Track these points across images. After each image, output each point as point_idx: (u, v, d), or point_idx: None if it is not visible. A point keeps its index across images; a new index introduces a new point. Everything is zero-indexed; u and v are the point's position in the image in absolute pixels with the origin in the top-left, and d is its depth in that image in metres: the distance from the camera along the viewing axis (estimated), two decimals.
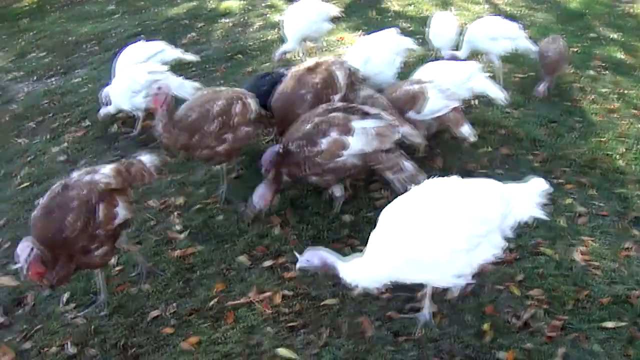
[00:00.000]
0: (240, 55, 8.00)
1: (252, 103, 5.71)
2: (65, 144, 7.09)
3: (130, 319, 4.64)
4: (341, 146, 5.04)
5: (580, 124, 6.89)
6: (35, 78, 9.28)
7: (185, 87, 6.69)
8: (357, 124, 5.08)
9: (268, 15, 10.73)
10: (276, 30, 9.80)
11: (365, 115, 5.18)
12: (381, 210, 5.44)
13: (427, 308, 4.42)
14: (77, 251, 4.28)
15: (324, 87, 5.80)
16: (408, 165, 5.18)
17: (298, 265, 4.07)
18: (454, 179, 4.21)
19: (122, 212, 4.54)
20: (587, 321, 4.37)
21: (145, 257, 5.11)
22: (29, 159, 6.95)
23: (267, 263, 5.01)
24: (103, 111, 7.10)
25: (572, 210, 5.50)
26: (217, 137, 5.40)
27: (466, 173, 5.88)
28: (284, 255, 5.08)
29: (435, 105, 5.90)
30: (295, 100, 5.71)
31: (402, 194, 4.34)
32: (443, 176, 5.80)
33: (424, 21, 9.26)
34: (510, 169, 6.06)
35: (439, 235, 3.89)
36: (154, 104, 5.23)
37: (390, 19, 10.09)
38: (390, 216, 4.09)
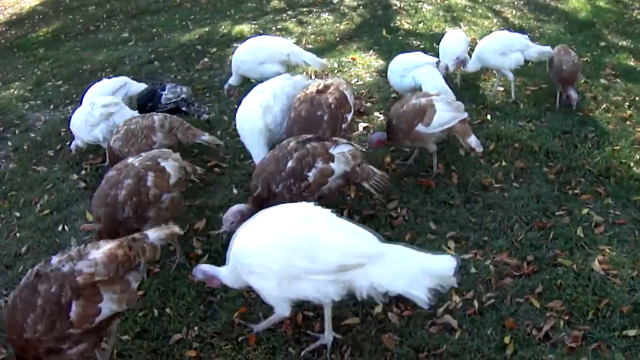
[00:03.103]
0: (254, 80, 8.06)
1: (171, 165, 5.33)
2: (84, 172, 7.15)
3: (153, 343, 4.68)
4: (328, 174, 5.15)
5: (594, 134, 6.90)
6: (52, 107, 9.35)
7: None
8: (334, 150, 5.21)
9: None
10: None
11: (336, 142, 5.29)
12: (399, 230, 5.52)
13: (327, 330, 4.46)
14: (42, 353, 3.86)
15: (338, 106, 5.85)
16: (373, 168, 5.46)
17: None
18: (330, 212, 4.28)
19: (108, 307, 4.01)
20: (608, 330, 4.39)
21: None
22: (48, 186, 7.00)
23: None
24: (72, 146, 7.30)
25: (589, 220, 5.52)
26: (137, 220, 5.07)
27: (482, 188, 5.94)
28: None
29: (444, 117, 5.98)
30: (312, 121, 5.74)
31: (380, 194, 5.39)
32: (460, 192, 5.92)
33: (434, 38, 9.32)
34: (525, 182, 6.10)
35: (256, 245, 4.10)
36: None
37: (401, 38, 10.14)
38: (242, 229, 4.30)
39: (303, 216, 4.23)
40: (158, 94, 7.41)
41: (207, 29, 11.91)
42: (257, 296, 4.90)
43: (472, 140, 6.03)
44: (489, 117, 7.32)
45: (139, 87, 7.78)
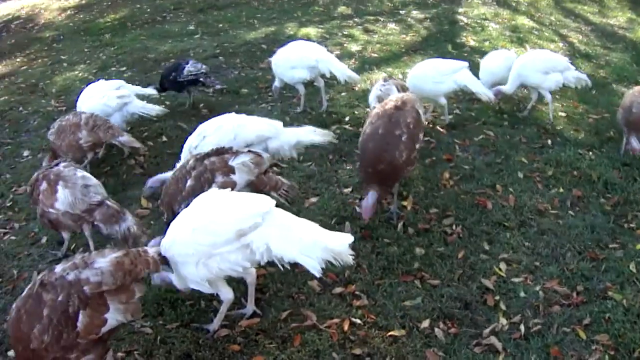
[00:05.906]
0: (316, 84, 8.13)
1: (65, 193, 5.31)
2: (142, 157, 7.27)
3: (198, 333, 4.71)
4: (230, 186, 5.05)
5: None
6: None
7: (147, 109, 7.60)
8: (234, 161, 5.19)
9: (345, 45, 10.84)
10: (353, 60, 9.95)
11: (236, 153, 5.28)
12: (452, 246, 5.51)
13: (249, 303, 4.84)
14: None
15: (416, 126, 5.65)
16: (281, 178, 5.52)
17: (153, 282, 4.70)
18: (224, 192, 4.60)
19: (114, 318, 3.96)
20: None
21: None
22: (106, 169, 7.14)
23: (337, 290, 5.06)
24: None
25: None
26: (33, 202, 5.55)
27: (537, 213, 5.91)
28: (355, 284, 5.11)
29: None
30: (390, 141, 5.49)
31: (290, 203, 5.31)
32: (515, 214, 5.89)
33: None
34: (581, 211, 6.05)
35: (171, 237, 4.32)
36: None
37: (466, 54, 10.12)
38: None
39: (205, 198, 4.50)
40: (181, 66, 8.25)
41: (273, 29, 12.02)
42: (306, 297, 4.98)
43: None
44: (549, 142, 7.29)
45: (134, 89, 7.97)
